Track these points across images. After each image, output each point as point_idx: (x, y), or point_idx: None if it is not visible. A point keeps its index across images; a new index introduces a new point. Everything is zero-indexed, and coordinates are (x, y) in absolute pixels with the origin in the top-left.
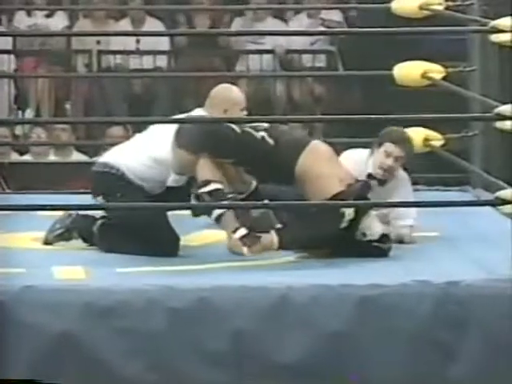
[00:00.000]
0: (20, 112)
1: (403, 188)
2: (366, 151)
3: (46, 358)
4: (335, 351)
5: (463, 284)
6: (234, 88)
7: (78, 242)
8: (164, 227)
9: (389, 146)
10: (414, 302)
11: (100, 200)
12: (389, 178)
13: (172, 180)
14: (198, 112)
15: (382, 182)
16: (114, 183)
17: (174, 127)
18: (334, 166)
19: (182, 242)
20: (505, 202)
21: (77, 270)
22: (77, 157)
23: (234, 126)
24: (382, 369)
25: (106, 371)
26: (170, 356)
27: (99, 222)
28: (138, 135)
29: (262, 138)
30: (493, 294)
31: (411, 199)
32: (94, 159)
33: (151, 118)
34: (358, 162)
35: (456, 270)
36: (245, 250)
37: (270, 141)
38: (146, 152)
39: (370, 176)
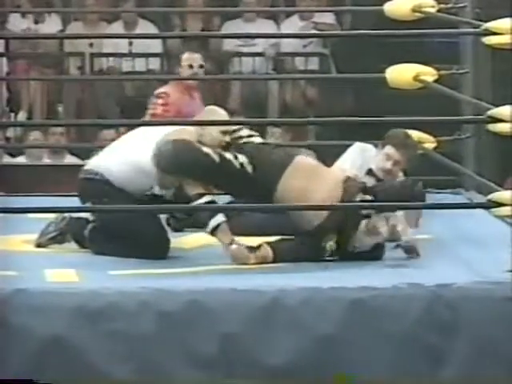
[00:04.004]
0: (12, 114)
1: None
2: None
3: (37, 360)
4: (326, 353)
5: (454, 287)
6: (219, 111)
7: (71, 245)
8: (154, 229)
9: (389, 149)
10: (404, 305)
11: (89, 205)
12: (388, 180)
13: (159, 190)
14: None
15: (380, 181)
16: (99, 189)
17: (158, 132)
18: (315, 184)
19: (173, 245)
20: (497, 204)
21: (69, 272)
22: (70, 159)
23: (212, 154)
24: (373, 371)
25: (96, 374)
26: (160, 359)
27: (90, 225)
28: (123, 137)
29: (241, 165)
30: (484, 296)
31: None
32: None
33: (143, 120)
34: (365, 155)
35: (447, 272)
36: (252, 257)
37: (249, 168)
38: (129, 158)
39: (370, 171)
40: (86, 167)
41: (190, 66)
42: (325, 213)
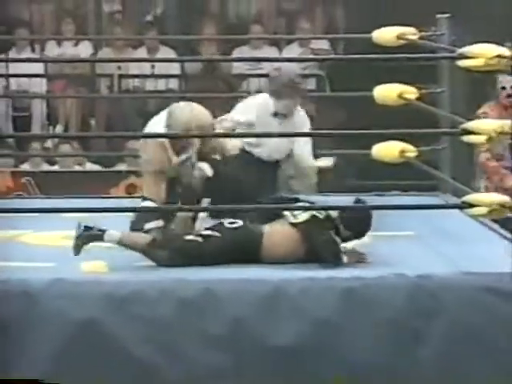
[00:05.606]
0: (51, 128)
1: (303, 125)
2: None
3: (70, 342)
4: (322, 335)
5: (434, 277)
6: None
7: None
8: None
9: None
10: (390, 293)
11: None
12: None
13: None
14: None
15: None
16: None
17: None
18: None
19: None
20: (470, 205)
21: (100, 264)
22: (91, 167)
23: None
24: (361, 351)
25: (121, 352)
26: (177, 339)
27: None
28: None
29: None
30: (460, 286)
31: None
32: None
33: (165, 133)
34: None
35: (428, 264)
36: None
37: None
38: None
39: (275, 114)
40: None
41: (503, 88)
42: None
